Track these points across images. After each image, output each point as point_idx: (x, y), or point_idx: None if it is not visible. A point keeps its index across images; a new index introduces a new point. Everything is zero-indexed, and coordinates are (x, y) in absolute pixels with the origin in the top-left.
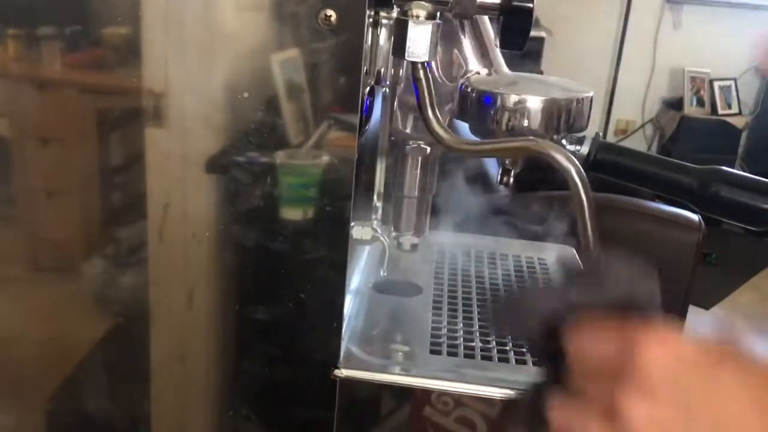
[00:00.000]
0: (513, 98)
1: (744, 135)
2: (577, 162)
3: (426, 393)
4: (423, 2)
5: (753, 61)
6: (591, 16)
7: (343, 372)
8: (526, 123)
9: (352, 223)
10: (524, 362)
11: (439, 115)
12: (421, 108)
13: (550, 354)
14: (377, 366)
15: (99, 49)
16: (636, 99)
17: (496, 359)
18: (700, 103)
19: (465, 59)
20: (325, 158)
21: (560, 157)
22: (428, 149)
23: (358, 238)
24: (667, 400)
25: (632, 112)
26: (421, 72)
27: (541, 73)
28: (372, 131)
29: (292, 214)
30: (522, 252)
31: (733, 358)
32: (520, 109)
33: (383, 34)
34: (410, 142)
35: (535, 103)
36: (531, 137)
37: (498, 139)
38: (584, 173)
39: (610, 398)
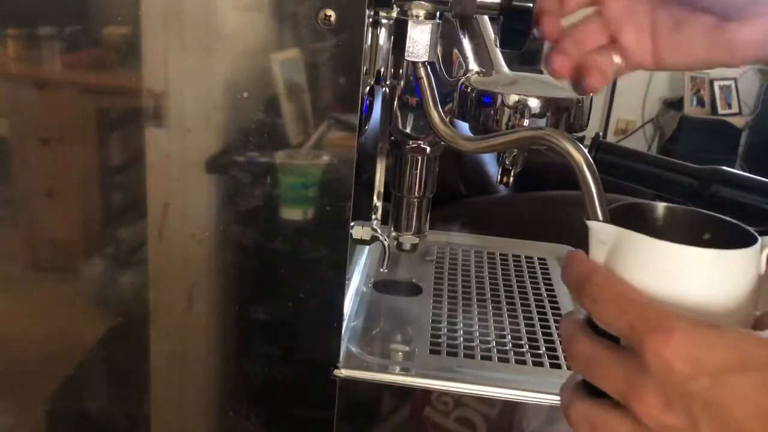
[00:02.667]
0: (513, 98)
1: (744, 135)
2: (586, 152)
3: (426, 393)
4: (423, 2)
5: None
6: None
7: (342, 372)
8: (526, 123)
9: (352, 223)
10: (524, 362)
11: (442, 113)
12: (423, 107)
13: None
14: (377, 366)
15: (99, 49)
16: (636, 99)
17: (496, 359)
18: (700, 103)
19: (465, 59)
20: (325, 158)
21: (570, 147)
22: (428, 149)
23: (358, 238)
24: (677, 407)
25: (632, 112)
26: (422, 71)
27: (541, 73)
28: (372, 131)
29: (292, 214)
30: (522, 252)
31: (753, 366)
32: (520, 108)
33: (383, 33)
34: (410, 142)
35: (535, 102)
36: (537, 126)
37: (500, 132)
38: (594, 164)
39: (624, 386)
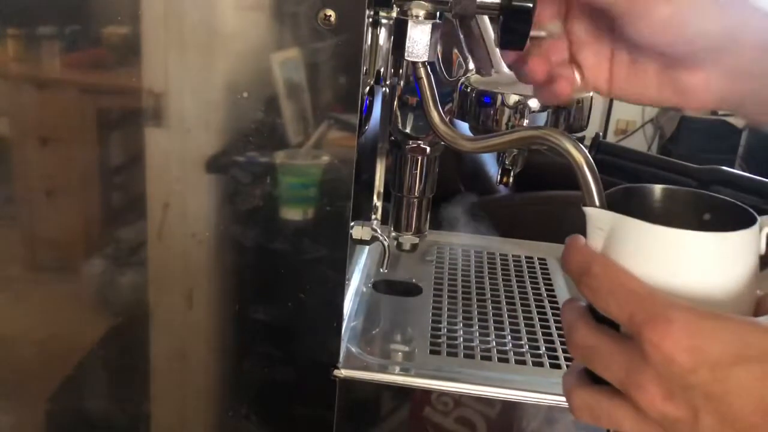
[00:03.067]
0: (513, 98)
1: (744, 135)
2: (586, 152)
3: (426, 393)
4: (423, 2)
5: None
6: None
7: (342, 372)
8: (526, 123)
9: (352, 223)
10: (524, 362)
11: (442, 113)
12: (423, 107)
13: None
14: (377, 366)
15: (99, 49)
16: None
17: (496, 359)
18: None
19: (465, 59)
20: (325, 158)
21: (570, 146)
22: (428, 149)
23: (358, 238)
24: (677, 398)
25: (632, 112)
26: (422, 71)
27: None
28: (372, 131)
29: (292, 214)
30: (522, 252)
31: (754, 358)
32: (520, 108)
33: (383, 33)
34: (410, 142)
35: (535, 102)
36: (537, 126)
37: (500, 132)
38: (595, 166)
39: (624, 376)
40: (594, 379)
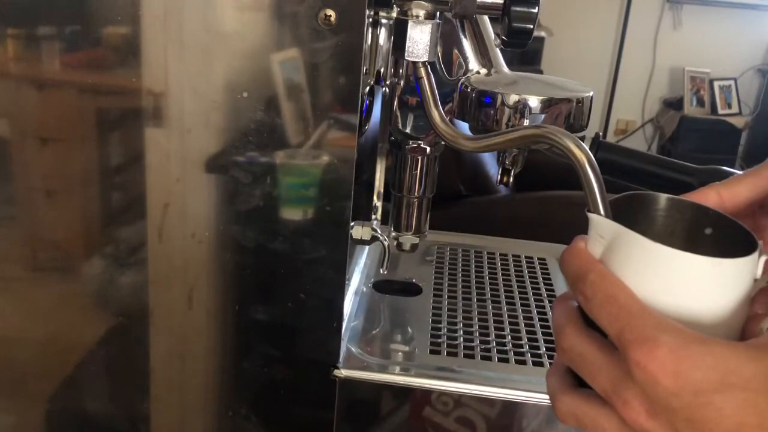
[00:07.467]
0: (513, 98)
1: (744, 135)
2: (588, 150)
3: (426, 393)
4: (423, 2)
5: (753, 60)
6: (591, 16)
7: (342, 372)
8: (526, 123)
9: (352, 223)
10: (524, 362)
11: (443, 112)
12: (424, 106)
13: None
14: (377, 366)
15: (99, 49)
16: (636, 99)
17: (496, 359)
18: (700, 103)
19: (465, 59)
20: (325, 158)
21: (572, 144)
22: (428, 149)
23: (358, 238)
24: (661, 417)
25: (632, 112)
26: (423, 71)
27: (540, 72)
28: (372, 131)
29: (292, 214)
30: (522, 252)
31: (736, 385)
32: (520, 108)
33: (383, 33)
34: (410, 142)
35: (535, 102)
36: (538, 124)
37: (501, 131)
38: (597, 164)
39: (611, 388)
40: (577, 379)
